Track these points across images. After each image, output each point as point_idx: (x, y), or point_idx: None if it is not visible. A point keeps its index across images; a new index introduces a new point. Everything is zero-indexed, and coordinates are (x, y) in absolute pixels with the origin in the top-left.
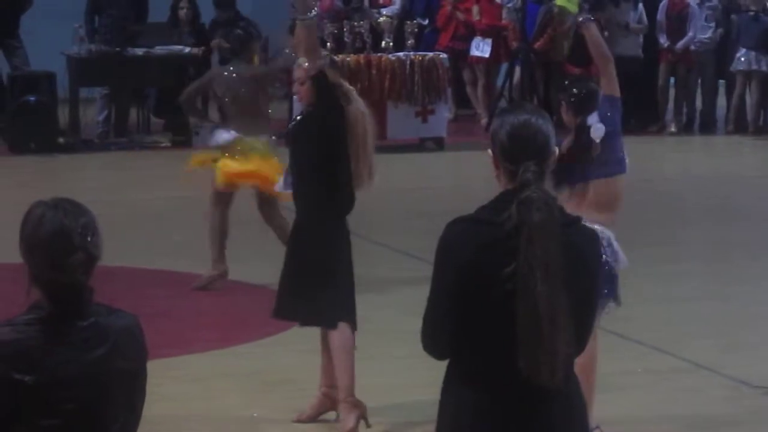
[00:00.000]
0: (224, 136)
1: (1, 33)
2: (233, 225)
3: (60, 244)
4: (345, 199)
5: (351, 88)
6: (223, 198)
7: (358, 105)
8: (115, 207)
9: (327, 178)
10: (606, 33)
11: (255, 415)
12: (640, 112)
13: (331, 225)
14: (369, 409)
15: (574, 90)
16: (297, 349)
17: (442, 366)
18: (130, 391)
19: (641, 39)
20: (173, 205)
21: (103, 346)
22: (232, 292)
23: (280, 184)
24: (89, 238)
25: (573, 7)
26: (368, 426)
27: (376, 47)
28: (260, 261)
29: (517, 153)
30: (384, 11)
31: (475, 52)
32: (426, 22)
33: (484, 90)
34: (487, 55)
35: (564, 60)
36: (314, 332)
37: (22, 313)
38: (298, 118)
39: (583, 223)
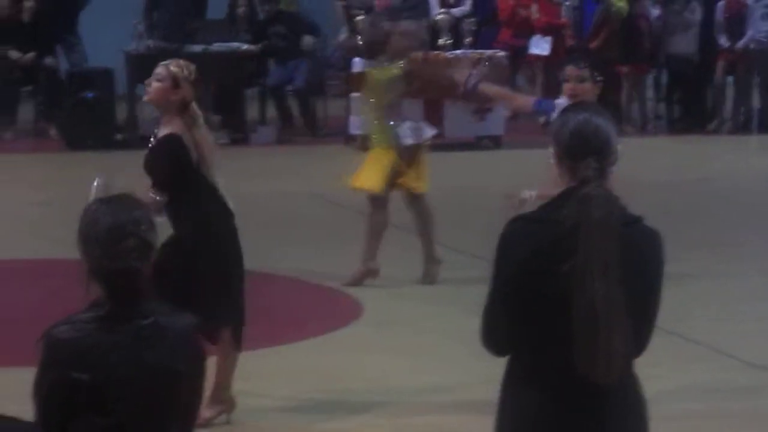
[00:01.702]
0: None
1: (60, 30)
2: (287, 220)
3: (113, 234)
4: None
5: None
6: (384, 200)
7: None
8: None
9: None
10: None
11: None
12: (696, 111)
13: None
14: (429, 406)
15: None
16: (356, 346)
17: (501, 364)
18: (187, 392)
19: (697, 38)
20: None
21: (161, 347)
22: (290, 289)
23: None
24: (143, 227)
25: (625, 7)
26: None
27: (434, 45)
28: (316, 258)
29: (577, 150)
30: (454, 11)
31: (534, 50)
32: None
33: (542, 88)
34: (546, 53)
35: (616, 60)
36: (364, 332)
37: (81, 310)
38: None
39: (644, 222)
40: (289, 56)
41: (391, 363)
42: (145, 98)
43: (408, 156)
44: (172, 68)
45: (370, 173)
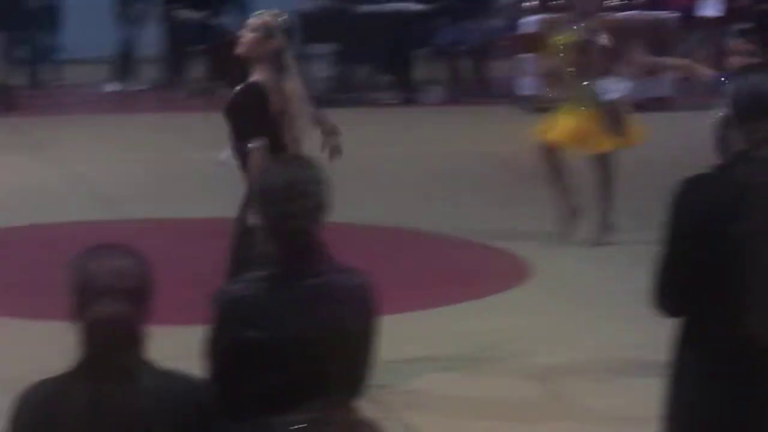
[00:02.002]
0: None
1: None
2: (456, 179)
3: (287, 193)
4: None
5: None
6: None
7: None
8: (341, 162)
9: None
10: None
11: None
12: None
13: None
14: (599, 366)
15: None
16: (526, 307)
17: (672, 325)
18: (359, 350)
19: None
20: (397, 162)
21: (333, 305)
22: (459, 249)
23: None
24: (316, 187)
25: None
26: None
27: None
28: (486, 218)
29: (752, 113)
30: None
31: (704, 11)
32: None
33: (712, 51)
34: (718, 15)
35: None
36: (534, 293)
37: (255, 269)
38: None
39: None
40: (462, 16)
41: (561, 324)
42: (238, 50)
43: (608, 111)
44: (266, 18)
45: (557, 128)
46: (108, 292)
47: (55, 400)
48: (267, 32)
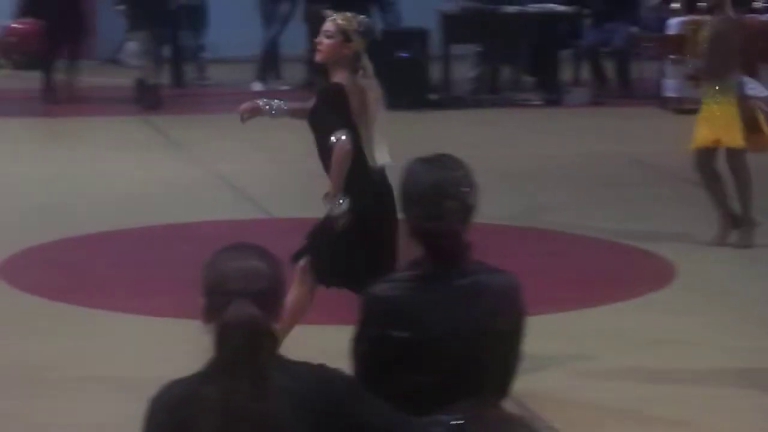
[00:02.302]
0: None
1: None
2: (600, 181)
3: (434, 195)
4: None
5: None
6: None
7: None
8: (484, 163)
9: None
10: None
11: None
12: None
13: None
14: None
15: None
16: (670, 309)
17: None
18: (507, 350)
19: None
20: (541, 163)
21: (481, 305)
22: (604, 250)
23: None
24: (464, 189)
25: None
26: None
27: (749, 8)
28: (630, 219)
29: None
30: None
31: None
32: None
33: None
34: None
35: None
36: (678, 295)
37: (401, 269)
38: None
39: None
40: (607, 18)
41: (705, 326)
42: (317, 57)
43: (746, 108)
44: (340, 22)
45: (700, 130)
46: (240, 294)
47: (187, 403)
48: (344, 36)
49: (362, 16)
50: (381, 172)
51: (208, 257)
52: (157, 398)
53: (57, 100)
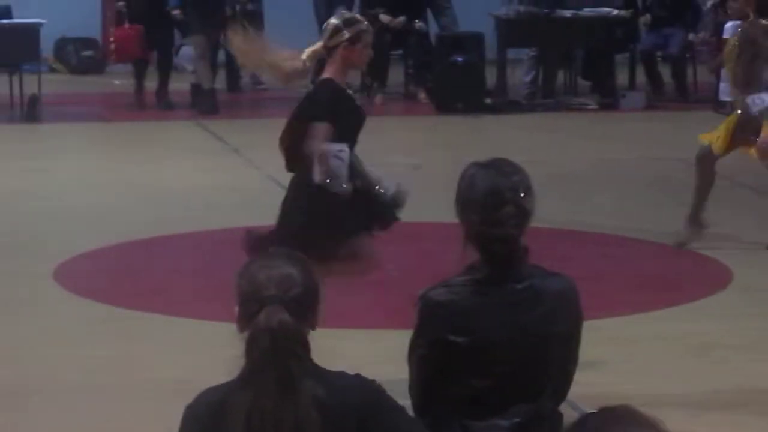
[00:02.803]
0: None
1: None
2: (656, 185)
3: (492, 200)
4: None
5: None
6: (711, 158)
7: None
8: (539, 167)
9: None
10: None
11: None
12: None
13: None
14: None
15: None
16: (726, 314)
17: None
18: (564, 354)
19: None
20: (596, 167)
21: (538, 309)
22: (660, 254)
23: None
24: (521, 194)
25: None
26: None
27: None
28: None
29: None
30: None
31: None
32: None
33: None
34: None
35: None
36: (734, 299)
37: (457, 274)
38: None
39: None
40: (665, 22)
41: (763, 331)
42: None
43: (748, 126)
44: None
45: (715, 133)
46: (272, 301)
47: (218, 410)
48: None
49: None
50: None
51: (243, 265)
52: (191, 406)
53: (146, 105)
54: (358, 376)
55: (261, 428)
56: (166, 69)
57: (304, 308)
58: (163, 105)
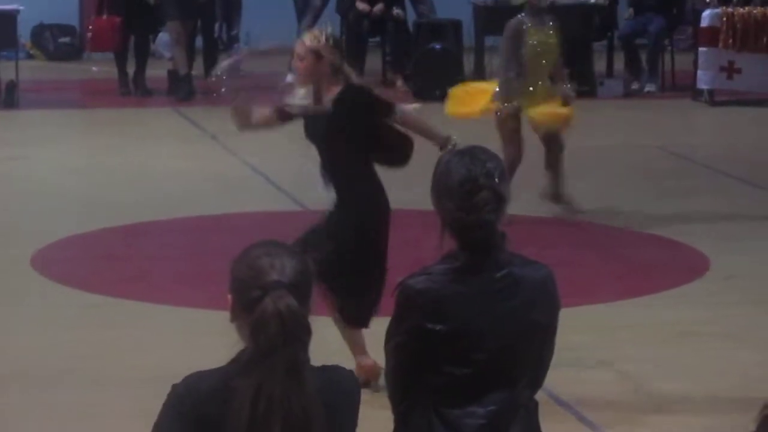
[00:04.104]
0: None
1: None
2: (634, 172)
3: (466, 186)
4: None
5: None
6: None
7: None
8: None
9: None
10: None
11: None
12: None
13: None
14: None
15: None
16: (703, 301)
17: None
18: (541, 343)
19: None
20: (575, 155)
21: (516, 298)
22: (640, 242)
23: None
24: (496, 180)
25: None
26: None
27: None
28: (662, 210)
29: None
30: None
31: None
32: None
33: None
34: None
35: None
36: (718, 287)
37: (436, 262)
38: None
39: None
40: (644, 8)
41: (741, 318)
42: (297, 81)
43: None
44: (308, 43)
45: None
46: (276, 286)
47: (215, 396)
48: (316, 55)
49: (329, 29)
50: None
51: (240, 254)
52: (181, 389)
53: (130, 92)
54: (344, 370)
55: (267, 415)
56: (143, 56)
57: (306, 295)
58: (140, 92)
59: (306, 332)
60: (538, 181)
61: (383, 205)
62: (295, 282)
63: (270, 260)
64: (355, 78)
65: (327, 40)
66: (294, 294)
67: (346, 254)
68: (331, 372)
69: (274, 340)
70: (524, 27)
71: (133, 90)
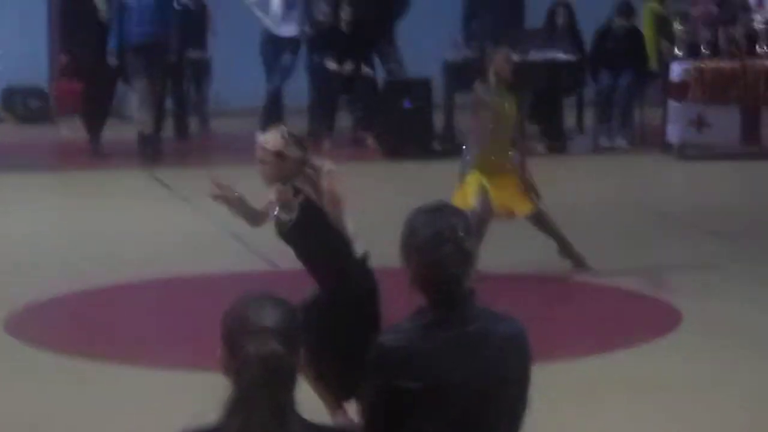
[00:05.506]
0: None
1: (378, 39)
2: (606, 228)
3: (432, 242)
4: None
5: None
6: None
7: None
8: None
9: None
10: None
11: None
12: None
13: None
14: None
15: None
16: (680, 353)
17: None
18: (514, 397)
19: None
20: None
21: (488, 352)
22: (611, 296)
23: None
24: (460, 234)
25: None
26: None
27: (752, 53)
28: (636, 265)
29: None
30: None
31: None
32: None
33: None
34: None
35: None
36: (691, 340)
37: (406, 318)
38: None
39: None
40: (610, 64)
41: (717, 367)
42: (265, 182)
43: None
44: (269, 147)
45: None
46: (261, 332)
47: None
48: (278, 156)
49: (283, 127)
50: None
51: (230, 304)
52: None
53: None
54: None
55: None
56: (101, 118)
57: (293, 342)
58: (97, 153)
59: (290, 377)
60: (508, 237)
61: (360, 291)
62: (280, 328)
63: (257, 308)
64: (320, 167)
65: (285, 137)
66: (278, 339)
67: (325, 342)
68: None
69: (255, 383)
70: (484, 96)
71: (91, 151)
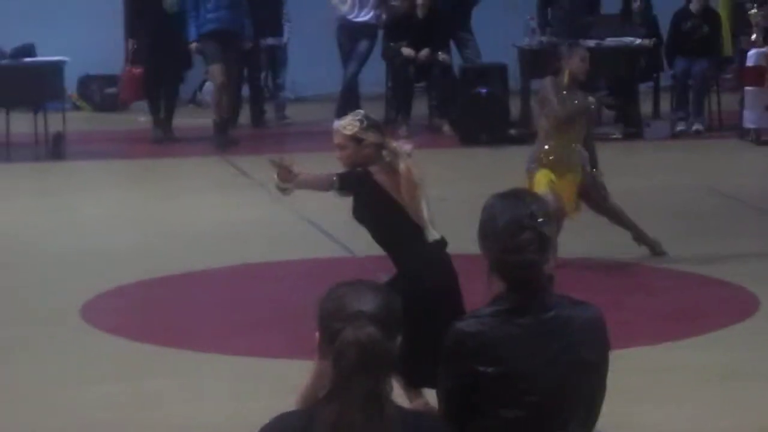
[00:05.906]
0: None
1: (454, 26)
2: (682, 213)
3: (510, 228)
4: None
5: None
6: None
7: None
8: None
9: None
10: None
11: None
12: None
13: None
14: None
15: None
16: (756, 341)
17: None
18: (592, 384)
19: None
20: (623, 196)
21: (566, 339)
22: (687, 283)
23: None
24: (539, 220)
25: None
26: None
27: None
28: (712, 252)
29: None
30: None
31: None
32: None
33: None
34: None
35: None
36: (763, 327)
37: (485, 305)
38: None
39: None
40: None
41: None
42: (343, 167)
43: None
44: (347, 132)
45: None
46: (358, 316)
47: (300, 427)
48: (355, 140)
49: (360, 111)
50: (439, 246)
51: (326, 290)
52: (269, 427)
53: (162, 140)
54: (430, 414)
55: None
56: (170, 104)
57: (390, 329)
58: (167, 138)
59: (387, 363)
60: (582, 223)
61: (436, 276)
62: (378, 313)
63: (354, 294)
64: (402, 156)
65: (362, 122)
66: (376, 325)
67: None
68: (419, 419)
69: (352, 368)
70: (550, 96)
71: (163, 137)
